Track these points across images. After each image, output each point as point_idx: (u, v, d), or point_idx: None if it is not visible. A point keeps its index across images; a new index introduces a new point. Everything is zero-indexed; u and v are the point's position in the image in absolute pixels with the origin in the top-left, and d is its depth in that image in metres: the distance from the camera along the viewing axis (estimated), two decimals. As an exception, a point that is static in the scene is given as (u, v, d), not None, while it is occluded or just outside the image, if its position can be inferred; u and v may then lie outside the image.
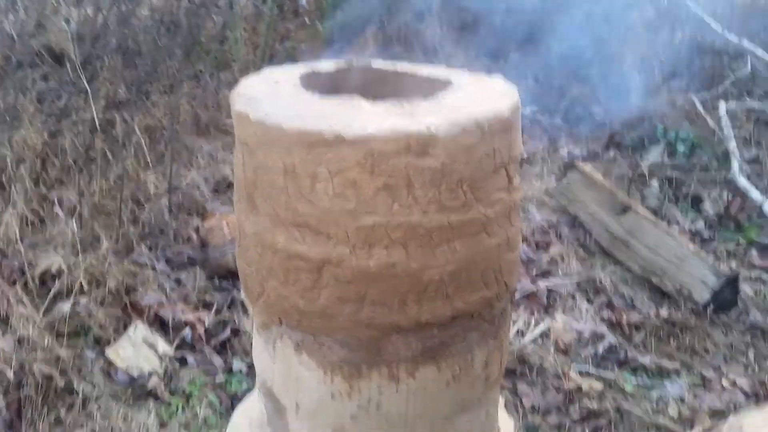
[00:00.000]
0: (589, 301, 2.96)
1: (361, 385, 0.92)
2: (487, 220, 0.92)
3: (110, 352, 2.32)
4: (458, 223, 0.89)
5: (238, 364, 2.42)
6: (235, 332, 2.57)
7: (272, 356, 0.98)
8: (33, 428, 2.05)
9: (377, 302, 0.88)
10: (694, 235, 3.44)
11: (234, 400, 2.25)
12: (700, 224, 3.55)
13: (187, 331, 2.51)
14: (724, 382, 2.57)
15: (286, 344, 0.95)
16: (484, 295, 0.95)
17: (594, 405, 2.33)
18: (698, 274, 2.96)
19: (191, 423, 2.13)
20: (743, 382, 2.55)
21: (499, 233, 0.95)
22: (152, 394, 2.23)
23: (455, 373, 0.95)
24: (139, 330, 2.39)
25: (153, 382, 2.24)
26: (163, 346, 2.39)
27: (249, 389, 2.31)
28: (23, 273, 2.52)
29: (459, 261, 0.90)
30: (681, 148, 4.03)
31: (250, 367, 2.46)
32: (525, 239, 3.33)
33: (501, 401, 1.18)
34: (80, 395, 2.17)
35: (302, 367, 0.94)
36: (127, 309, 2.53)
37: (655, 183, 3.80)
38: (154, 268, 2.83)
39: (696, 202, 3.69)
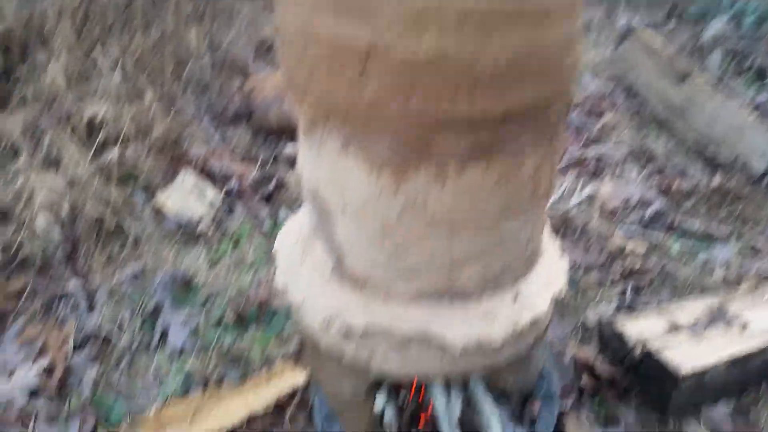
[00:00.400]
0: (639, 168, 2.88)
1: (408, 182, 0.90)
2: (546, 12, 0.85)
3: (160, 198, 2.39)
4: (516, 11, 0.83)
5: (283, 214, 2.47)
6: (280, 186, 2.61)
7: (319, 157, 0.97)
8: (87, 263, 2.17)
9: (426, 95, 0.84)
10: (756, 108, 3.25)
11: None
12: (763, 97, 3.35)
13: (234, 182, 2.55)
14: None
15: (333, 142, 0.94)
16: (539, 94, 0.90)
17: (637, 265, 2.31)
18: (757, 144, 2.83)
19: (240, 263, 2.21)
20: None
21: (558, 30, 0.89)
22: (202, 238, 2.31)
23: (503, 175, 0.93)
24: (188, 178, 2.44)
25: (202, 227, 2.32)
26: (212, 194, 2.45)
27: (294, 237, 2.37)
28: (69, 119, 2.57)
29: (514, 53, 0.84)
30: (748, 19, 3.76)
31: (295, 217, 2.51)
32: (578, 105, 3.22)
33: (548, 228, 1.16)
34: (131, 236, 2.27)
35: (349, 164, 0.92)
36: (175, 159, 2.58)
37: (717, 54, 3.57)
38: (199, 122, 2.85)
39: (761, 75, 3.48)
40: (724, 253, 2.42)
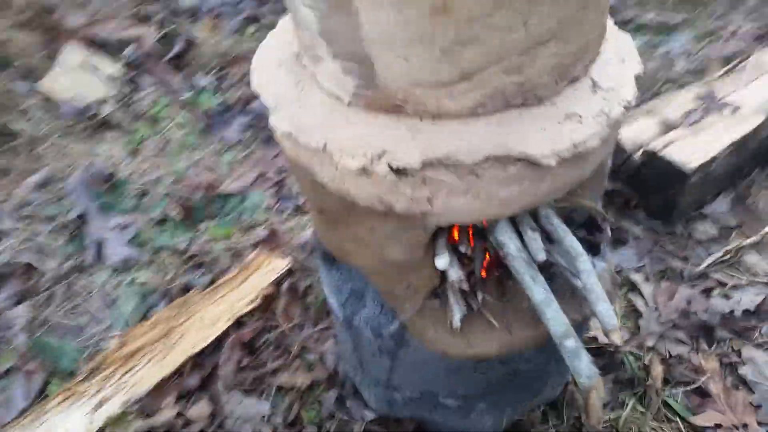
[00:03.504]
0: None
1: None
2: None
3: (45, 83, 1.92)
4: None
5: (202, 80, 2.07)
6: (190, 44, 2.17)
7: None
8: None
9: None
10: None
11: (213, 117, 1.96)
12: None
13: (130, 50, 2.09)
14: (730, 30, 2.37)
15: None
16: None
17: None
18: None
19: (166, 147, 1.85)
20: (747, 28, 2.35)
21: None
22: (111, 124, 1.90)
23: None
24: (73, 53, 1.96)
25: (107, 110, 1.90)
26: (108, 68, 1.99)
27: (224, 103, 2.00)
28: None
29: None
30: None
31: (219, 79, 2.12)
32: None
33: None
34: (23, 137, 1.84)
35: None
36: (50, 32, 2.06)
37: None
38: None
39: None
40: (681, 42, 2.26)
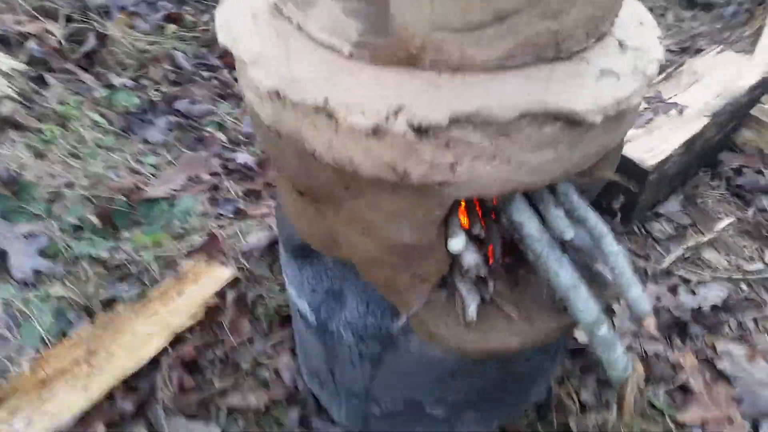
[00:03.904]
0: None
1: None
2: None
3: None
4: None
5: (118, 79, 1.85)
6: (102, 42, 1.95)
7: None
8: None
9: None
10: None
11: (132, 117, 1.74)
12: None
13: (32, 45, 1.84)
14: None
15: None
16: None
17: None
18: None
19: (78, 149, 1.62)
20: (669, 43, 2.43)
21: None
22: (13, 124, 1.64)
23: None
24: (-38, 44, 1.70)
25: (8, 109, 1.65)
26: (7, 64, 1.74)
27: (144, 103, 1.80)
28: None
29: None
30: None
31: (137, 78, 1.91)
32: None
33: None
34: None
35: None
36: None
37: None
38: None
39: None
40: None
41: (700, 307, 1.43)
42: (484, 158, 0.62)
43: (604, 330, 0.74)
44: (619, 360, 0.75)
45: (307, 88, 0.61)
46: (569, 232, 0.73)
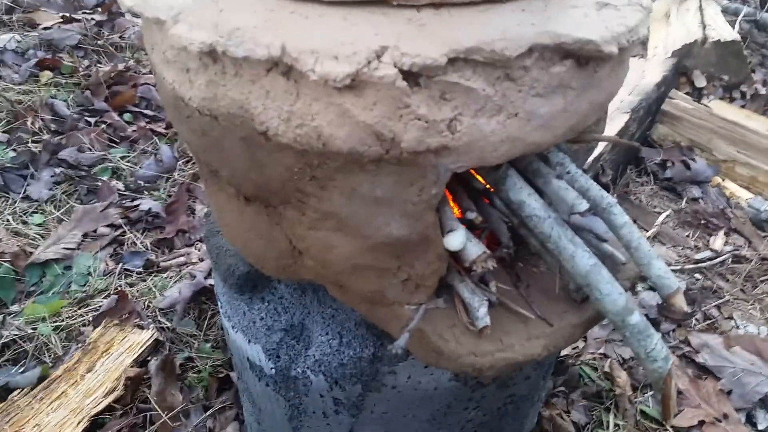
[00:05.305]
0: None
1: None
2: None
3: None
4: None
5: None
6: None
7: None
8: None
9: None
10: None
11: (8, 174, 1.48)
12: None
13: None
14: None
15: None
16: None
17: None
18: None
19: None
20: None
21: None
22: None
23: None
24: None
25: None
26: None
27: (21, 157, 1.55)
28: None
29: None
30: None
31: (11, 131, 1.65)
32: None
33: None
34: None
35: None
36: None
37: None
38: None
39: None
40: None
41: (661, 303, 1.37)
42: (489, 111, 0.49)
43: (636, 317, 0.62)
44: (659, 349, 0.63)
45: (255, 38, 0.46)
46: (581, 204, 0.61)
